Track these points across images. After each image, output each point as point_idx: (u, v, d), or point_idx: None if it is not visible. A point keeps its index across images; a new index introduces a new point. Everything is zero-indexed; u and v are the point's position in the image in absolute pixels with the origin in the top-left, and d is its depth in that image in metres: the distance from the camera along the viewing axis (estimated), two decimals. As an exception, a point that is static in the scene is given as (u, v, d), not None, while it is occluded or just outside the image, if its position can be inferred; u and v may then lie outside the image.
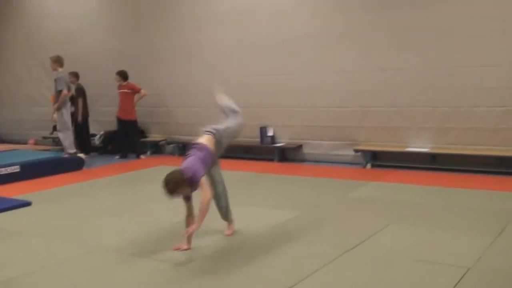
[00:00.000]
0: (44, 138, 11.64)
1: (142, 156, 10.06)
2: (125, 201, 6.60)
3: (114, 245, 4.74)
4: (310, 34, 8.69)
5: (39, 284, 3.97)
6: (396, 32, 7.99)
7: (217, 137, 4.62)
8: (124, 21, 10.91)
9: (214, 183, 4.74)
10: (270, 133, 9.20)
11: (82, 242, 4.91)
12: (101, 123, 11.17)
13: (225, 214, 4.91)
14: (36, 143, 12.16)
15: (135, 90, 10.02)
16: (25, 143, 12.22)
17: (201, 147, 4.51)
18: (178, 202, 6.21)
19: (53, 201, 6.63)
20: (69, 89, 9.17)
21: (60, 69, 9.04)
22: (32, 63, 12.27)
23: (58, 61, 8.99)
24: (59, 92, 8.89)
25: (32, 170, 8.19)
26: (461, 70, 7.60)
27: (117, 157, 10.16)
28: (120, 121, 10.15)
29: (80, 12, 11.49)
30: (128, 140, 10.18)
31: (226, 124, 4.83)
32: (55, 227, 5.44)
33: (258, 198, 6.40)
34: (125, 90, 10.04)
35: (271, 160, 9.07)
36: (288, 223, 5.27)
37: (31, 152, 9.78)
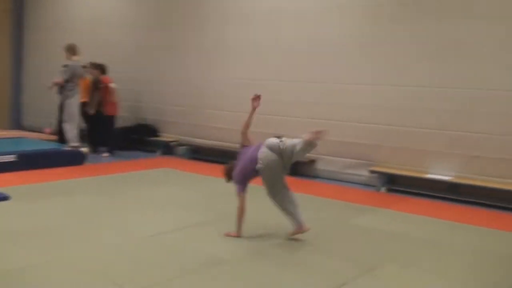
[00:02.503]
0: (59, 127, 11.36)
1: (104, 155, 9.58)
2: (107, 207, 6.00)
3: (63, 259, 4.25)
4: (335, 41, 8.09)
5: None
6: (428, 47, 7.30)
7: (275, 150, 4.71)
8: (149, 16, 10.58)
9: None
10: (283, 144, 8.59)
11: (31, 249, 4.43)
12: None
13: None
14: (51, 133, 11.90)
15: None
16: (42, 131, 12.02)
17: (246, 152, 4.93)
18: (164, 213, 5.76)
19: (35, 198, 6.17)
20: (73, 79, 8.70)
21: (74, 58, 8.72)
22: (56, 49, 12.05)
23: (69, 50, 8.70)
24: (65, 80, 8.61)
25: (30, 161, 7.84)
26: (500, 94, 6.84)
27: (106, 154, 9.64)
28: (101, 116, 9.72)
29: (107, 4, 11.20)
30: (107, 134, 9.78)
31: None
32: (17, 229, 4.98)
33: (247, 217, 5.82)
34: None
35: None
36: (271, 249, 4.67)
37: (34, 142, 9.45)
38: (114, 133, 9.86)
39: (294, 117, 8.59)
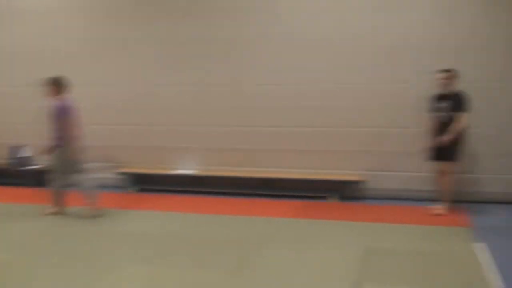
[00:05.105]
0: None
1: None
2: None
3: None
4: (83, 46, 7.82)
5: None
6: (158, 47, 7.51)
7: None
8: None
9: None
10: (25, 153, 7.98)
11: None
12: None
13: None
14: None
15: None
16: None
17: None
18: None
19: None
20: None
21: None
22: None
23: None
24: None
25: None
26: (212, 89, 7.36)
27: None
28: None
29: None
30: None
31: None
32: None
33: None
34: None
35: (26, 185, 7.86)
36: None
37: None
38: None
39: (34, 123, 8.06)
